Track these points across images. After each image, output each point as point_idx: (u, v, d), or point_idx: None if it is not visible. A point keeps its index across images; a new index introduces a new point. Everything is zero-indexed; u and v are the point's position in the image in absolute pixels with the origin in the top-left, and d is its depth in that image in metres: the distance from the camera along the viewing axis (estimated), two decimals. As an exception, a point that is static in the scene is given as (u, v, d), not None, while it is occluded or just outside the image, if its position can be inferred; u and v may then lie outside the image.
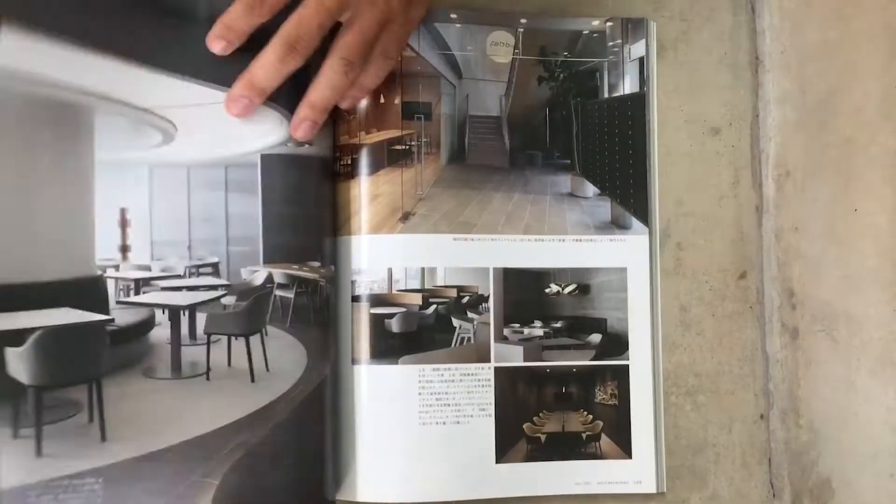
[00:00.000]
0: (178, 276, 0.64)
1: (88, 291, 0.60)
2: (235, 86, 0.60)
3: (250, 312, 0.65)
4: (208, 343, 0.63)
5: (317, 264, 0.67)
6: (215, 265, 0.64)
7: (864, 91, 0.64)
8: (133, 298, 0.62)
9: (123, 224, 0.61)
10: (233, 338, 0.64)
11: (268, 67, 0.59)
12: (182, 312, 0.63)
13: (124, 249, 0.61)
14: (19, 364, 0.57)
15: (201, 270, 0.64)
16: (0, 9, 0.56)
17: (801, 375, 0.71)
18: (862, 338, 0.64)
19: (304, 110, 0.62)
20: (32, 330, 0.57)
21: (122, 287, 0.61)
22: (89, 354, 0.60)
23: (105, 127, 0.61)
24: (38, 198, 0.59)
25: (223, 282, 0.64)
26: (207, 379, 0.63)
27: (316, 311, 0.67)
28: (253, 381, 0.63)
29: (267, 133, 0.65)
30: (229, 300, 0.65)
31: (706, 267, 0.75)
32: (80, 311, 0.59)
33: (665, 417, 0.73)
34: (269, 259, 0.65)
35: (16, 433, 0.57)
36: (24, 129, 0.58)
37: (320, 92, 0.62)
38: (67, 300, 0.59)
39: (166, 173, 0.63)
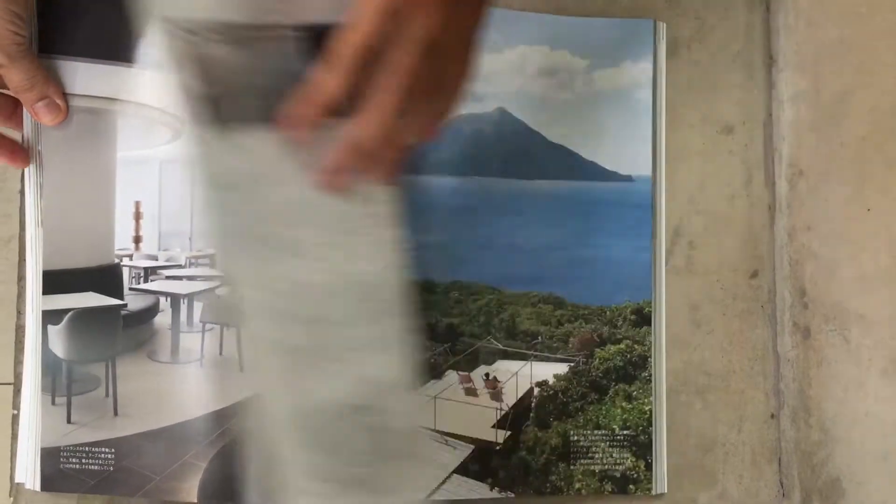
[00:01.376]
0: (180, 266, 0.67)
1: (108, 278, 0.66)
2: None
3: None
4: (203, 331, 0.66)
5: None
6: (212, 256, 0.66)
7: (879, 90, 0.64)
8: (142, 286, 0.67)
9: (137, 216, 0.66)
10: (225, 327, 0.66)
11: None
12: (182, 300, 0.67)
13: (137, 240, 0.66)
14: (56, 340, 0.65)
15: (200, 261, 0.67)
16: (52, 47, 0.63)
17: (813, 375, 0.70)
18: (874, 338, 0.64)
19: None
20: (67, 311, 0.64)
21: (133, 275, 0.67)
22: (107, 335, 0.66)
23: (125, 127, 0.66)
24: (75, 194, 0.65)
25: (219, 272, 0.67)
26: (201, 366, 0.66)
27: None
28: (242, 370, 0.65)
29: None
30: (223, 290, 0.67)
31: (718, 266, 0.75)
32: (101, 296, 0.66)
33: (675, 416, 0.73)
34: None
35: (53, 400, 0.64)
36: (65, 133, 0.64)
37: None
38: (92, 285, 0.66)
39: (173, 168, 0.66)
